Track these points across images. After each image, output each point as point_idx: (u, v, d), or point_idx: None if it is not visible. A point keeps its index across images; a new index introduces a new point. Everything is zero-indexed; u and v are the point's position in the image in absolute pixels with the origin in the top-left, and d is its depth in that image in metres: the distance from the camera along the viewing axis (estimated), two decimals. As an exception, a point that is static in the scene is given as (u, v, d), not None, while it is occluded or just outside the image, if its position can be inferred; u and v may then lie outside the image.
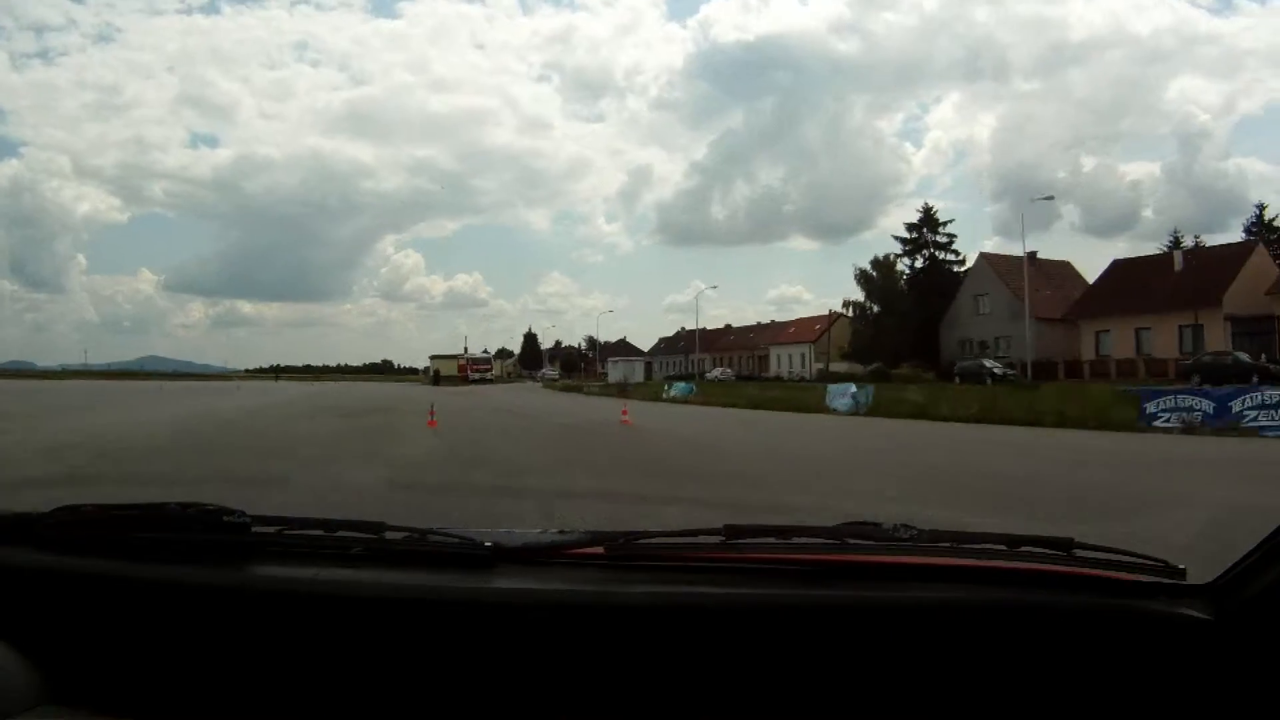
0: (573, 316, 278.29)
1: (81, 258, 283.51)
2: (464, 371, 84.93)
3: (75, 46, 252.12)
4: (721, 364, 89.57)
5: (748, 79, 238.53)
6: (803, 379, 67.03)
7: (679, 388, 43.47)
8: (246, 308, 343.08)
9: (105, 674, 1.37)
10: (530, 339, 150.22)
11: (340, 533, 1.54)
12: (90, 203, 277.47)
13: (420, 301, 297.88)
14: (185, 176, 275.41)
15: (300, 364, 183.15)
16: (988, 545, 1.46)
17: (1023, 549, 1.43)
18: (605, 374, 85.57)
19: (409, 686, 1.33)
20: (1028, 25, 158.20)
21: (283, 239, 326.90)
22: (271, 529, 1.56)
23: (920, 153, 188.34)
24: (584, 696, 1.31)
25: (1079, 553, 1.42)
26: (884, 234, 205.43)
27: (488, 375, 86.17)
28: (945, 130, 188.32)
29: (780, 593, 1.39)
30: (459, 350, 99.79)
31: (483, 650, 1.33)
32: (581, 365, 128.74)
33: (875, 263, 68.16)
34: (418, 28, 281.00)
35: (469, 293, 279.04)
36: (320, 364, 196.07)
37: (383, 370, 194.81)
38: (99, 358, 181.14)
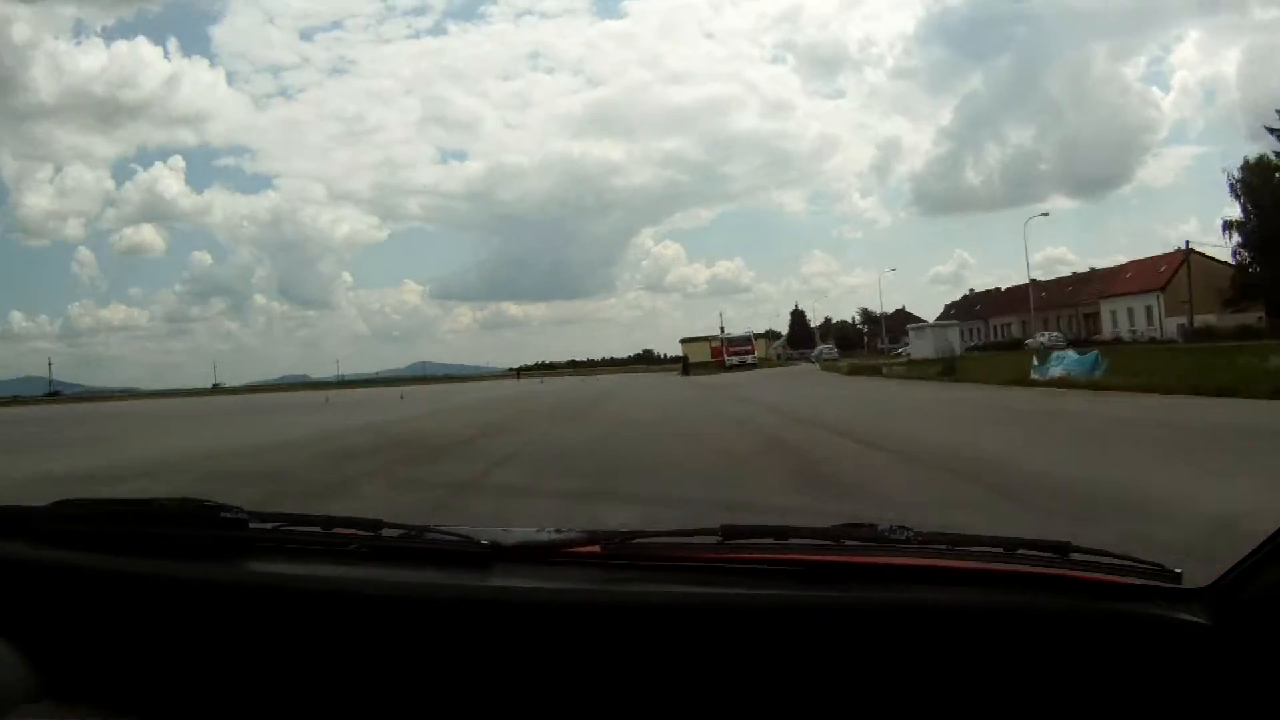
0: (837, 294, 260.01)
1: (347, 275, 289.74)
2: (719, 355, 71.50)
3: (312, 82, 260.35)
4: (1048, 327, 69.03)
5: (982, 37, 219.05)
6: (1153, 339, 51.57)
7: (1071, 361, 23.97)
8: (513, 309, 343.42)
9: (102, 669, 1.37)
10: (798, 316, 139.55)
11: (337, 529, 1.55)
12: (349, 224, 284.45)
13: (684, 291, 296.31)
14: (438, 191, 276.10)
15: (565, 360, 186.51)
16: (984, 548, 1.46)
17: (1019, 552, 1.44)
18: (898, 348, 70.58)
19: (405, 684, 1.33)
20: None
21: (541, 241, 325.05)
22: (269, 525, 1.56)
23: (1169, 96, 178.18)
24: (580, 696, 1.31)
25: (1075, 556, 1.42)
26: (1144, 185, 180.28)
27: (748, 358, 70.68)
28: (1191, 70, 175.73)
29: (776, 593, 1.39)
30: (715, 330, 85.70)
31: (479, 648, 1.33)
32: (864, 340, 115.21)
33: (1257, 165, 48.58)
34: (644, 24, 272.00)
35: (731, 279, 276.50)
36: (586, 358, 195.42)
37: (645, 360, 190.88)
38: (373, 366, 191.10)
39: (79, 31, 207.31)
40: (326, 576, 1.43)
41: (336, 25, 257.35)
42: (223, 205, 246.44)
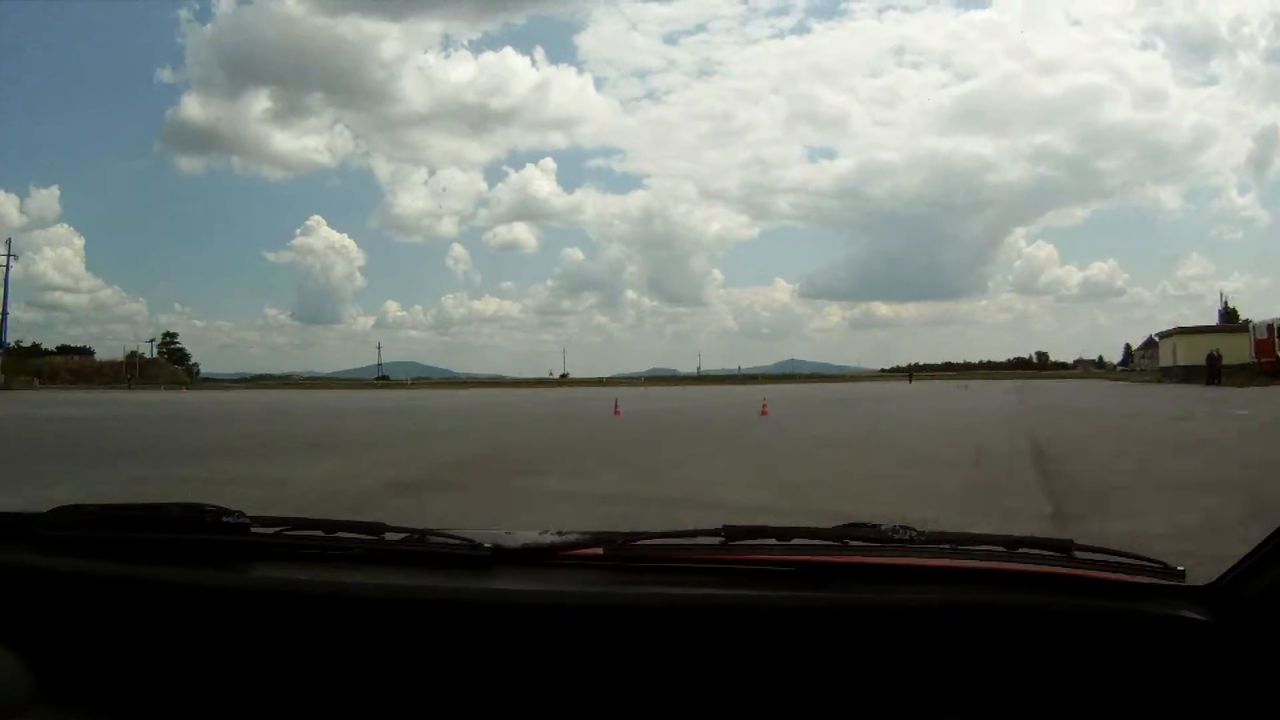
0: (1211, 301, 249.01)
1: (717, 272, 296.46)
2: (1271, 354, 44.12)
3: (679, 84, 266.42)
4: None
5: None
6: None
7: None
8: (883, 309, 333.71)
9: (103, 675, 1.37)
10: (1229, 315, 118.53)
11: (340, 533, 1.55)
12: (720, 222, 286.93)
13: (1056, 294, 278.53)
14: (808, 189, 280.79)
15: (940, 362, 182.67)
16: (987, 547, 1.46)
17: (1022, 550, 1.43)
18: None
19: (409, 687, 1.33)
20: None
21: (912, 239, 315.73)
22: (271, 530, 1.56)
23: None
24: (583, 697, 1.31)
25: (1078, 554, 1.42)
26: None
27: None
28: None
29: (779, 594, 1.38)
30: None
31: (482, 651, 1.33)
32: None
33: None
34: (1008, 13, 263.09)
35: (1105, 281, 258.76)
36: (961, 361, 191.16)
37: (1023, 365, 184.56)
38: (740, 362, 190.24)
39: (446, 45, 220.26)
40: (329, 581, 1.42)
41: (700, 29, 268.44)
42: (593, 204, 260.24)
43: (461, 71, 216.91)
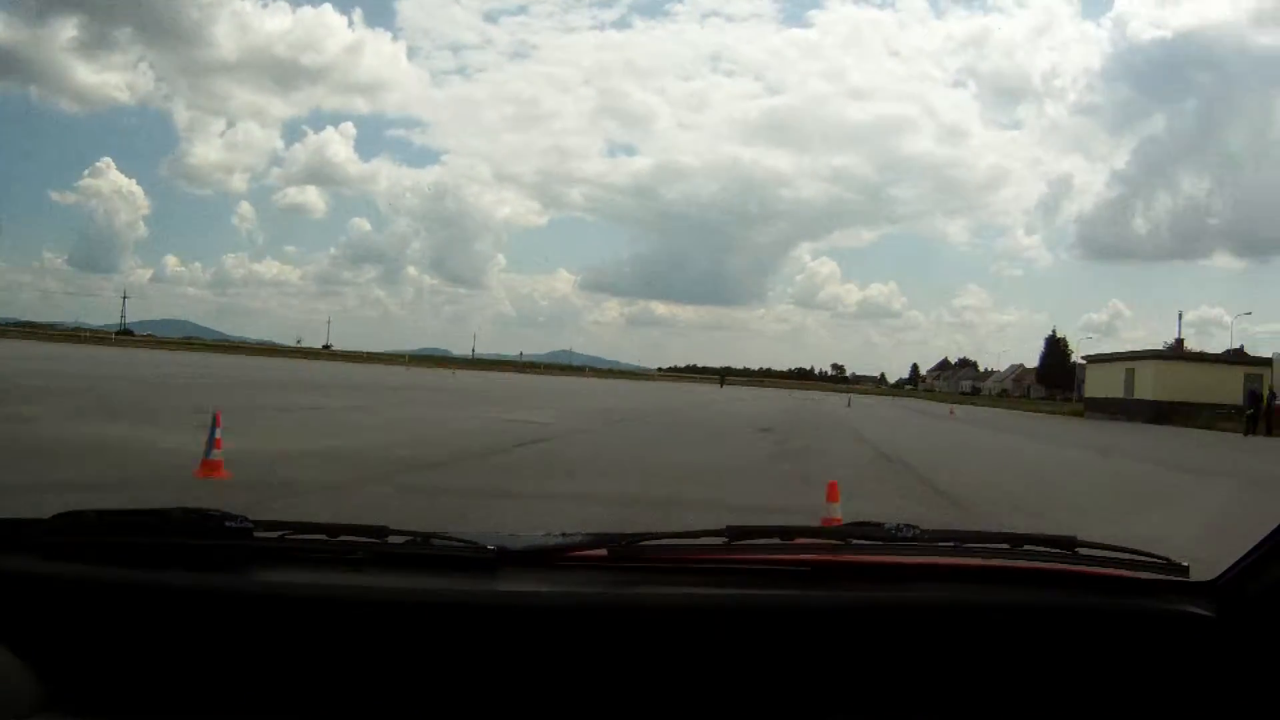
0: (985, 331, 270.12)
1: (501, 257, 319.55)
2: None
3: (492, 63, 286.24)
4: None
5: (1167, 79, 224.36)
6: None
7: None
8: (660, 308, 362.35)
9: (107, 681, 1.37)
10: (1055, 345, 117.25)
11: (343, 537, 1.54)
12: (511, 206, 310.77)
13: (834, 310, 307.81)
14: (603, 183, 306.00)
15: (718, 365, 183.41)
16: (991, 544, 1.47)
17: (1026, 548, 1.44)
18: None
19: (414, 690, 1.33)
20: None
21: (699, 243, 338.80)
22: (274, 534, 1.55)
23: None
24: (589, 699, 1.31)
25: (1082, 551, 1.43)
26: None
27: None
28: None
29: (783, 594, 1.39)
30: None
31: (487, 653, 1.33)
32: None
33: None
34: (829, 36, 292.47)
35: (883, 303, 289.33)
36: (742, 366, 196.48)
37: (800, 375, 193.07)
38: (514, 348, 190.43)
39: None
40: (333, 584, 1.42)
41: (522, 10, 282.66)
42: (388, 174, 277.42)
43: (277, 22, 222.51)
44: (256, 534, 1.54)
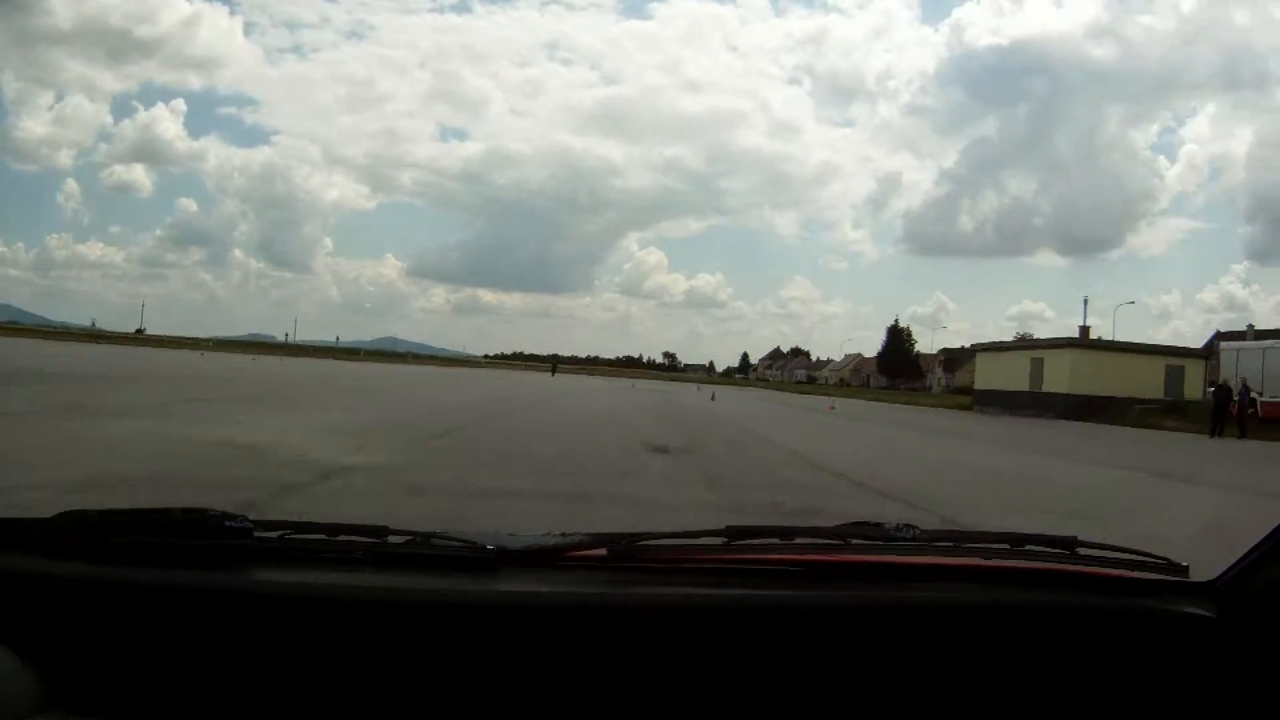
0: (810, 322, 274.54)
1: (328, 240, 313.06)
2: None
3: (328, 43, 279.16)
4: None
5: (1001, 85, 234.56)
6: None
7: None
8: (488, 296, 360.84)
9: (107, 680, 1.37)
10: (897, 335, 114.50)
11: (343, 536, 1.54)
12: (339, 190, 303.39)
13: (660, 299, 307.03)
14: (434, 168, 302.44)
15: (546, 353, 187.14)
16: (991, 544, 1.47)
17: (1026, 548, 1.44)
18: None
19: (413, 690, 1.33)
20: None
21: (528, 231, 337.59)
22: (274, 534, 1.55)
23: (1174, 168, 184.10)
24: (588, 699, 1.31)
25: (1082, 551, 1.43)
26: (1132, 253, 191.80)
27: None
28: (1200, 144, 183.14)
29: (783, 594, 1.39)
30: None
31: (486, 653, 1.33)
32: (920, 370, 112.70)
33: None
34: (669, 29, 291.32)
35: (709, 293, 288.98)
36: (569, 355, 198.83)
37: (632, 364, 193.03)
38: (341, 335, 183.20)
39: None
40: (333, 584, 1.42)
41: None
42: (217, 154, 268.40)
43: None
44: (256, 533, 1.53)
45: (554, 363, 79.09)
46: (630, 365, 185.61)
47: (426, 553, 1.50)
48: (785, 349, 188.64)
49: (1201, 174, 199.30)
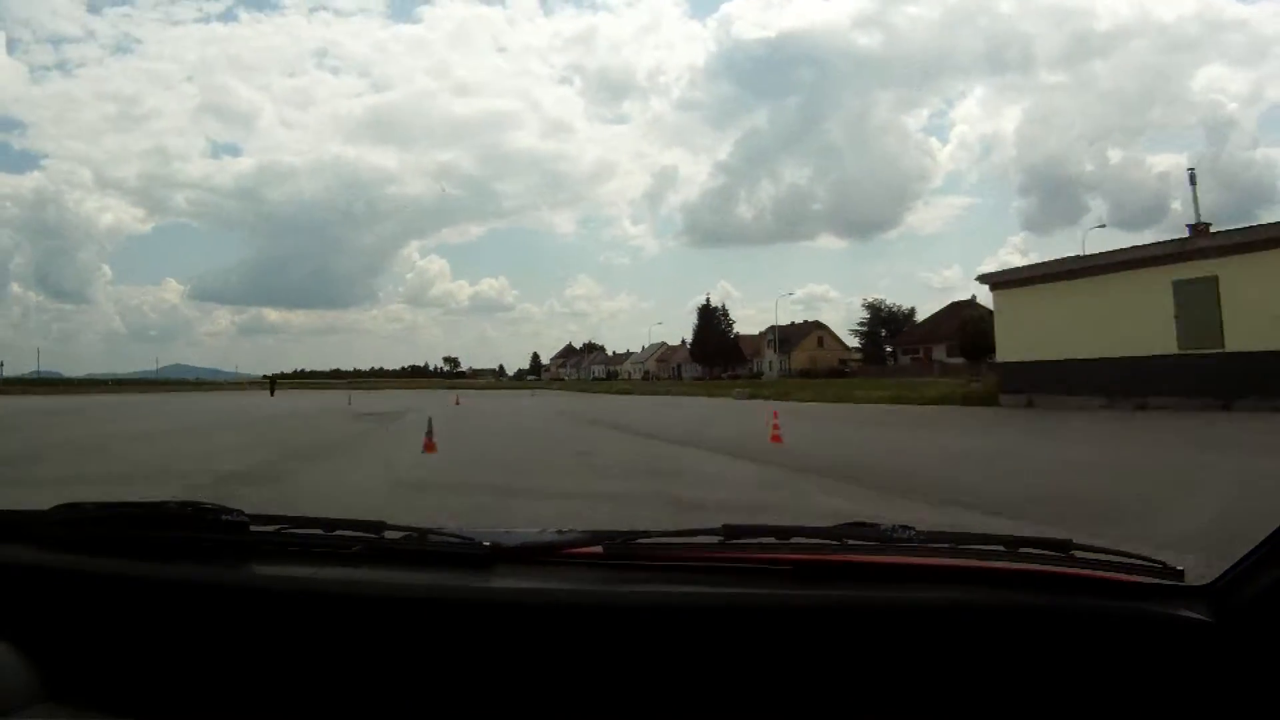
0: (597, 319, 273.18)
1: (106, 268, 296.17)
2: None
3: (93, 58, 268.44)
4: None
5: (771, 77, 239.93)
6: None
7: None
8: (272, 315, 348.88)
9: (105, 672, 1.37)
10: (707, 314, 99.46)
11: (339, 531, 1.54)
12: (114, 213, 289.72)
13: (446, 306, 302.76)
14: (208, 186, 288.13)
15: (330, 369, 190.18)
16: (986, 546, 1.46)
17: (1022, 550, 1.43)
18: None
19: (408, 686, 1.33)
20: (1051, 15, 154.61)
21: (307, 246, 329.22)
22: (270, 528, 1.55)
23: (946, 148, 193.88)
24: (583, 696, 1.30)
25: (1078, 554, 1.42)
26: (911, 231, 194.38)
27: None
28: (971, 125, 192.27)
29: (779, 593, 1.38)
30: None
31: (481, 650, 1.33)
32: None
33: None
34: (437, 31, 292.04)
35: (495, 297, 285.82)
36: (353, 369, 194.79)
37: (416, 373, 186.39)
38: (126, 367, 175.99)
39: None
40: (329, 579, 1.42)
41: (127, 0, 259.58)
42: None
43: None
44: (253, 527, 1.54)
45: (272, 381, 60.89)
46: (415, 375, 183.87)
47: (423, 548, 1.50)
48: (577, 345, 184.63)
49: (973, 153, 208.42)
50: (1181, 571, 1.39)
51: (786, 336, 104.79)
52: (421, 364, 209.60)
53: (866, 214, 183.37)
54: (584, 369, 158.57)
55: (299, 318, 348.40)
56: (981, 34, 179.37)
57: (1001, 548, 1.43)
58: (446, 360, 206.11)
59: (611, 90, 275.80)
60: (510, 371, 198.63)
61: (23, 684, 1.31)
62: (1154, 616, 1.30)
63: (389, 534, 1.52)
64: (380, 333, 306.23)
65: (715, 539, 1.47)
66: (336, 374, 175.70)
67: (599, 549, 1.47)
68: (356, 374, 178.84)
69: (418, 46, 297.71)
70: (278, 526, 1.55)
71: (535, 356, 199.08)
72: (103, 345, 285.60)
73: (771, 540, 1.48)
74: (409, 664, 1.33)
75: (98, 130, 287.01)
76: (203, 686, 1.34)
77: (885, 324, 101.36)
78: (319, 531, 1.54)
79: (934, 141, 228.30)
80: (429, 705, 1.31)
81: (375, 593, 1.39)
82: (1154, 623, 1.30)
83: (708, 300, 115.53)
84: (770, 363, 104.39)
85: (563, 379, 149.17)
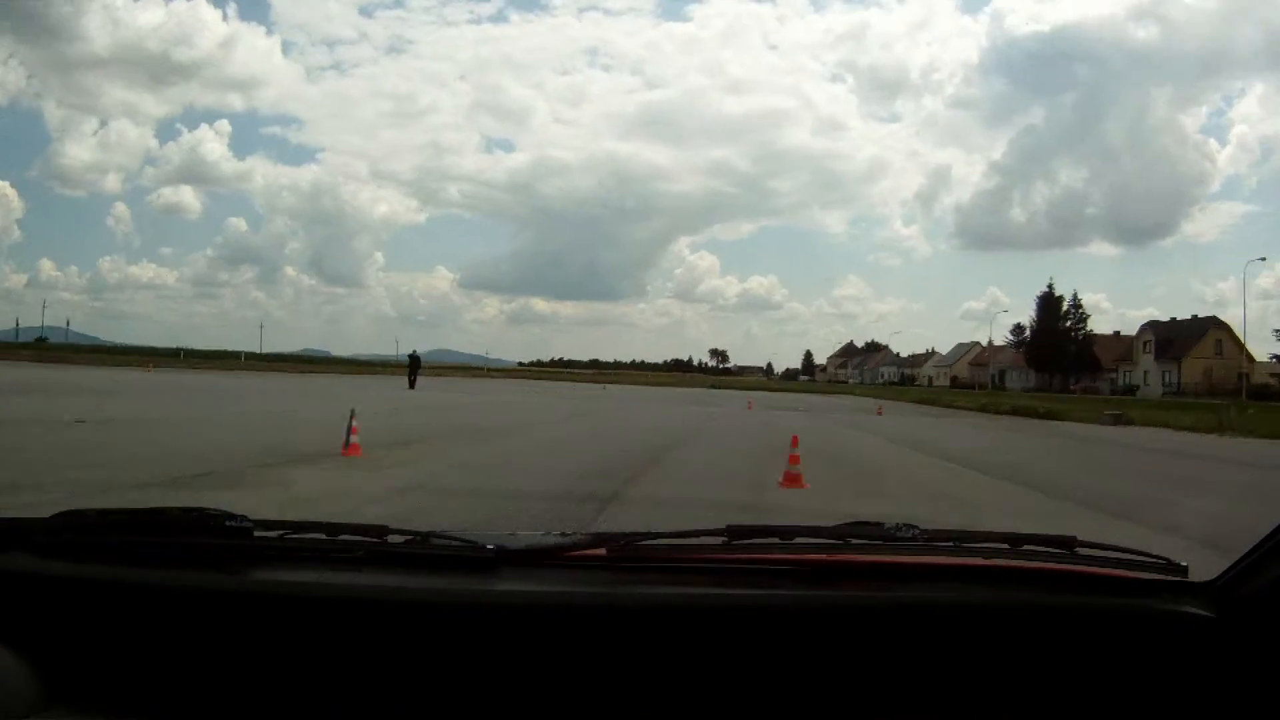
0: (865, 321, 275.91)
1: (379, 255, 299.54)
2: None
3: (368, 58, 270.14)
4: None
5: (1045, 73, 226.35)
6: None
7: None
8: (540, 305, 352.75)
9: (108, 679, 1.36)
10: (1050, 306, 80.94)
11: (343, 536, 1.54)
12: (388, 204, 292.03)
13: (714, 303, 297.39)
14: (481, 179, 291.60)
15: (588, 359, 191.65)
16: (990, 544, 1.46)
17: (1025, 548, 1.43)
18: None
19: (413, 689, 1.32)
20: None
21: (578, 239, 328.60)
22: (274, 533, 1.55)
23: (1225, 150, 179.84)
24: (587, 698, 1.30)
25: (1081, 551, 1.42)
26: (1186, 239, 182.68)
27: None
28: (1251, 125, 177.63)
29: (783, 593, 1.38)
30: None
31: (486, 653, 1.33)
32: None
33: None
34: (708, 29, 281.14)
35: (763, 295, 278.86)
36: (612, 360, 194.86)
37: (680, 367, 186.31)
38: (393, 349, 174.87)
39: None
40: (333, 583, 1.42)
41: (399, 4, 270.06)
42: (264, 173, 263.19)
43: (149, 16, 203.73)
44: (256, 533, 1.53)
45: (414, 362, 44.97)
46: (678, 369, 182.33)
47: (426, 552, 1.50)
48: (864, 343, 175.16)
49: (1253, 155, 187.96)
50: (1185, 568, 1.39)
51: (1169, 338, 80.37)
52: (685, 358, 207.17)
53: (1141, 219, 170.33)
54: (869, 370, 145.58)
55: (567, 308, 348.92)
56: (1262, 26, 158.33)
57: (1005, 546, 1.43)
58: (713, 354, 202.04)
59: (884, 87, 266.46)
60: (778, 370, 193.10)
61: (26, 691, 1.30)
62: (1158, 613, 1.31)
63: (392, 538, 1.51)
64: (647, 326, 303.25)
65: (719, 540, 1.46)
66: (594, 364, 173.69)
67: (603, 551, 1.46)
68: (616, 365, 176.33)
69: (689, 44, 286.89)
70: (281, 532, 1.55)
71: (808, 355, 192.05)
72: (372, 328, 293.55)
73: (775, 541, 1.47)
74: (414, 668, 1.32)
75: (373, 125, 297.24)
76: (206, 692, 1.33)
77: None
78: (322, 536, 1.54)
79: (1212, 142, 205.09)
80: (434, 709, 1.31)
81: (379, 597, 1.38)
82: (1158, 619, 1.30)
83: (1050, 288, 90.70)
84: (1146, 374, 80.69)
85: (844, 380, 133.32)
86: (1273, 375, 70.13)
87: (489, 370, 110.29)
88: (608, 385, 65.08)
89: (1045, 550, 1.42)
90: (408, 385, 41.95)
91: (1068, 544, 1.42)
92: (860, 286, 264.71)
